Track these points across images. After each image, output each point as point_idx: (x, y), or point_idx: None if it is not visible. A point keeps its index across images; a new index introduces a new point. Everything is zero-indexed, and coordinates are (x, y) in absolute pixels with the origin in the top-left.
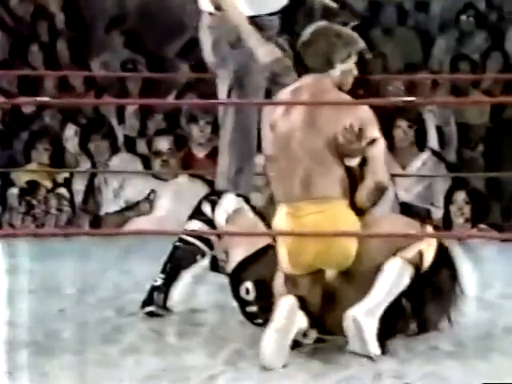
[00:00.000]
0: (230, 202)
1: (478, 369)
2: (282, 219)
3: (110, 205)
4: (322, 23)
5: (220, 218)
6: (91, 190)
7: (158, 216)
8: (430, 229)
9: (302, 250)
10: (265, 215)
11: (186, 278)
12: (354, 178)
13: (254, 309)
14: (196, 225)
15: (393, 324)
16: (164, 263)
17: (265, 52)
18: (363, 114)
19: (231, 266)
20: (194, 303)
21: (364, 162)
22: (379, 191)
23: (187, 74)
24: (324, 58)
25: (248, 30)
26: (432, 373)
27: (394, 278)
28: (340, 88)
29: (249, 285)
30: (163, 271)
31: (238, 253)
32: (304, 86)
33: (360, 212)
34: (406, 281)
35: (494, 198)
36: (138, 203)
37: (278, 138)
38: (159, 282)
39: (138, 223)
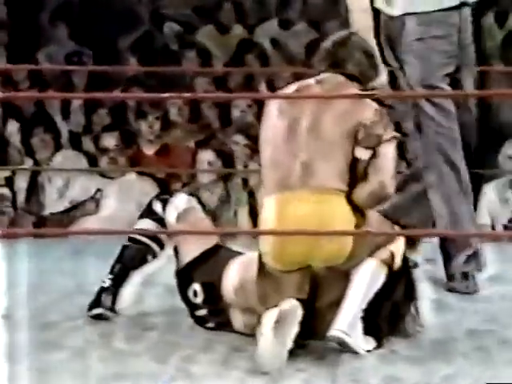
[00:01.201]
0: (180, 201)
1: (438, 373)
2: (272, 209)
3: (54, 205)
4: None
5: (171, 216)
6: (34, 189)
7: (105, 216)
8: (398, 228)
9: (290, 243)
10: (217, 215)
11: (136, 279)
12: (355, 175)
13: (203, 312)
14: (147, 224)
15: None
16: (113, 264)
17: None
18: (380, 110)
19: (180, 266)
20: (144, 306)
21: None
22: (380, 195)
23: (136, 68)
24: None
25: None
26: (390, 376)
27: (369, 281)
28: None
29: (197, 287)
30: (112, 272)
31: (187, 253)
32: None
33: (356, 209)
34: (380, 281)
35: None
36: (83, 203)
37: (284, 122)
38: (107, 284)
39: (84, 224)
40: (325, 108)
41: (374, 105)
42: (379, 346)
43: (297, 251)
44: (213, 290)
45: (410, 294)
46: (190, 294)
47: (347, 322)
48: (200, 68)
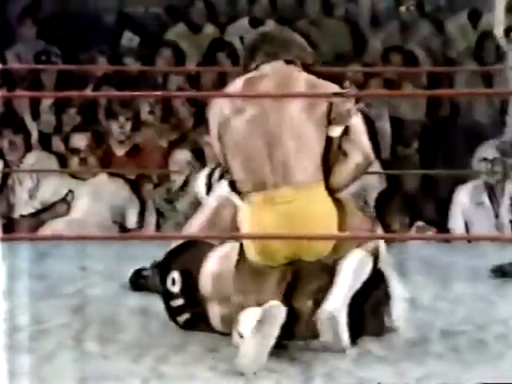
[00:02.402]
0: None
1: (411, 374)
2: (251, 210)
3: (24, 206)
4: None
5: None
6: (4, 191)
7: (76, 218)
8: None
9: (275, 241)
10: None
11: None
12: (327, 159)
13: (179, 302)
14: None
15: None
16: None
17: None
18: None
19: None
20: (115, 307)
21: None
22: (366, 165)
23: (106, 67)
24: None
25: None
26: (364, 377)
27: (356, 269)
28: None
29: (175, 275)
30: None
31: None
32: (269, 74)
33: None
34: (367, 271)
35: (428, 196)
36: (54, 204)
37: (244, 124)
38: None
39: (55, 226)
40: (287, 101)
41: (333, 85)
42: (354, 344)
43: (282, 247)
44: (190, 279)
45: (384, 294)
46: (169, 282)
47: (338, 304)
48: (172, 67)
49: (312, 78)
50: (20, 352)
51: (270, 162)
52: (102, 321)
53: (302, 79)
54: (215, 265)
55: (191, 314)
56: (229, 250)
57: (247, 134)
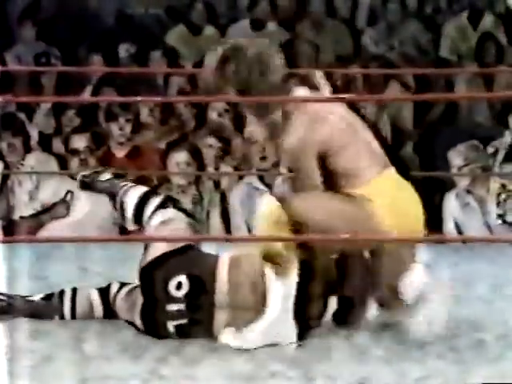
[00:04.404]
0: (169, 213)
1: (411, 374)
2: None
3: (24, 208)
4: None
5: (154, 220)
6: (3, 192)
7: (76, 219)
8: None
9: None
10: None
11: None
12: None
13: (178, 307)
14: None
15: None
16: None
17: None
18: None
19: (148, 259)
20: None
21: None
22: None
23: (106, 69)
24: None
25: None
26: (363, 377)
27: None
28: None
29: (182, 279)
30: None
31: (158, 247)
32: None
33: None
34: None
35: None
36: (54, 206)
37: (344, 124)
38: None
39: (55, 227)
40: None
41: None
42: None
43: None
44: (199, 284)
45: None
46: (172, 285)
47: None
48: (169, 69)
49: None
50: (20, 353)
51: (369, 152)
52: (101, 322)
53: None
54: (230, 272)
55: (189, 318)
56: (241, 255)
57: (349, 130)
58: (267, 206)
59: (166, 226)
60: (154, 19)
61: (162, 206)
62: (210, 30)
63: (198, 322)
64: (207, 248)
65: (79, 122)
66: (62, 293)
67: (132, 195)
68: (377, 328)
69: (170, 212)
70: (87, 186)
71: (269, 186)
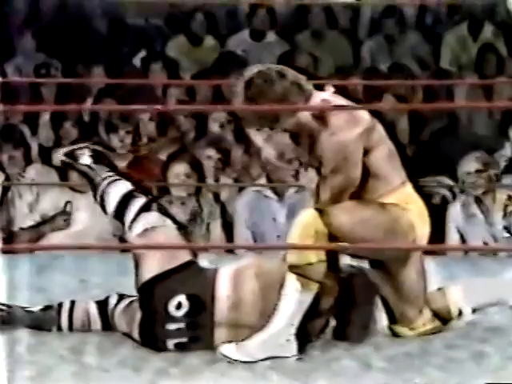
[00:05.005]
0: (152, 218)
1: None
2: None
3: (24, 219)
4: None
5: (136, 229)
6: (4, 204)
7: (76, 230)
8: None
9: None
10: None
11: None
12: None
13: (178, 326)
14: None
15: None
16: None
17: None
18: None
19: (147, 277)
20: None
21: None
22: None
23: (104, 79)
24: None
25: None
26: None
27: None
28: None
29: (182, 299)
30: None
31: (152, 265)
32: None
33: None
34: None
35: None
36: (54, 217)
37: (375, 124)
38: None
39: (55, 238)
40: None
41: None
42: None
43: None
44: (199, 303)
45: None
46: (172, 305)
47: None
48: (168, 80)
49: None
50: (20, 364)
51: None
52: (101, 333)
53: None
54: (230, 288)
55: (189, 337)
56: (241, 270)
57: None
58: (307, 216)
59: (154, 233)
60: (154, 29)
61: (145, 208)
62: (210, 41)
63: (198, 338)
64: (207, 261)
65: (77, 134)
66: (60, 305)
67: (116, 190)
68: (378, 339)
69: (154, 216)
70: (68, 165)
71: (279, 195)
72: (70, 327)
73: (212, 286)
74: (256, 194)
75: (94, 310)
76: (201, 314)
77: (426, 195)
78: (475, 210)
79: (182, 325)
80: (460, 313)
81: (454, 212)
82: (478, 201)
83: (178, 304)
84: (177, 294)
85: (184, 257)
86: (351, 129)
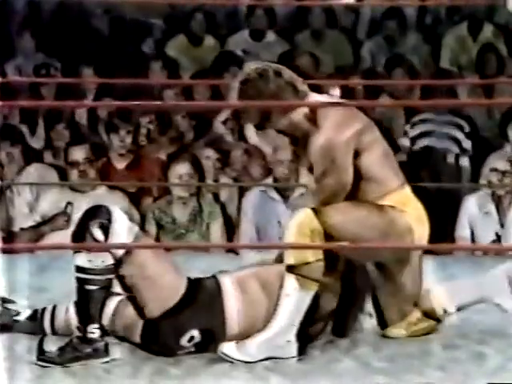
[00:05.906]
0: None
1: None
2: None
3: (24, 219)
4: None
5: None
6: (3, 204)
7: None
8: None
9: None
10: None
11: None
12: None
13: (190, 350)
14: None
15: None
16: None
17: None
18: None
19: (154, 314)
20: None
21: None
22: None
23: (104, 80)
24: None
25: None
26: None
27: None
28: None
29: (195, 333)
30: None
31: (154, 306)
32: None
33: None
34: None
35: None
36: (54, 217)
37: (371, 124)
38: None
39: (55, 238)
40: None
41: None
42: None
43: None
44: (212, 335)
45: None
46: (185, 339)
47: None
48: (167, 80)
49: None
50: (19, 366)
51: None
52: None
53: None
54: (239, 304)
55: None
56: (244, 277)
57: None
58: (302, 215)
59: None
60: (154, 29)
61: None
62: (210, 41)
63: (208, 350)
64: (204, 263)
65: (68, 137)
66: (44, 309)
67: None
68: (377, 339)
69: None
70: None
71: (284, 197)
72: (53, 332)
73: (221, 309)
74: (262, 194)
75: (72, 312)
76: (214, 341)
77: (438, 159)
78: (491, 207)
79: (192, 349)
80: (445, 311)
81: (470, 205)
82: (496, 199)
83: (191, 338)
84: (190, 329)
85: (181, 288)
86: (340, 132)
